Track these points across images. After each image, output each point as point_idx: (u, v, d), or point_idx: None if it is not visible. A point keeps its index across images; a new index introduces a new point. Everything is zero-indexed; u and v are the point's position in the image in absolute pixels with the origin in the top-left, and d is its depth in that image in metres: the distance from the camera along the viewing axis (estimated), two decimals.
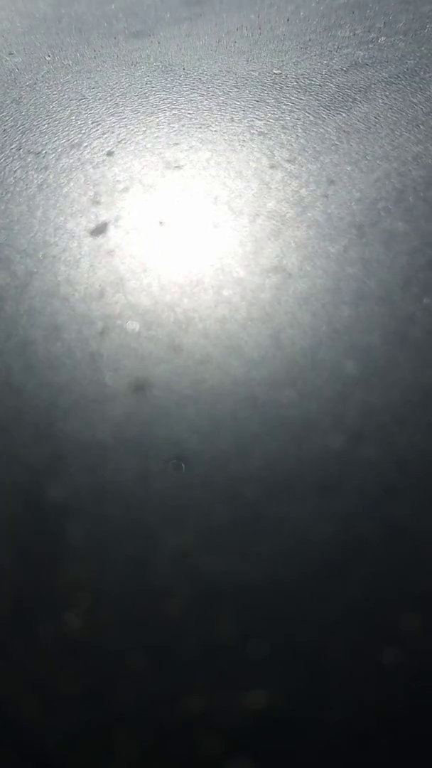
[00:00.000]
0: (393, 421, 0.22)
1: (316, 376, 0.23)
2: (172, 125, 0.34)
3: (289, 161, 0.31)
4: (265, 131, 0.32)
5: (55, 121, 0.36)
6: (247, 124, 0.33)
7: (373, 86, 0.35)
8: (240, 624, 0.19)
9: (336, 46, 0.39)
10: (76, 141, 0.34)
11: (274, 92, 0.35)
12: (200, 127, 0.33)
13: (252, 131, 0.33)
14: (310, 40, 0.40)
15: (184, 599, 0.20)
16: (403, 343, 0.24)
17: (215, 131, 0.33)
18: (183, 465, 0.22)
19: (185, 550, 0.20)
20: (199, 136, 0.33)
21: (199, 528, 0.21)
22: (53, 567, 0.20)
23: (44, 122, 0.36)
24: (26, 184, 0.32)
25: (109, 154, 0.32)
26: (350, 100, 0.34)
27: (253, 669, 0.18)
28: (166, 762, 0.18)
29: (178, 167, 0.31)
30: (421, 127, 0.33)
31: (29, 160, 0.33)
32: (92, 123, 0.35)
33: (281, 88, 0.35)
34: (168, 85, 0.37)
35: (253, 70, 0.37)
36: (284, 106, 0.34)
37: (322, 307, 0.25)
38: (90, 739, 0.18)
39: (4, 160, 0.33)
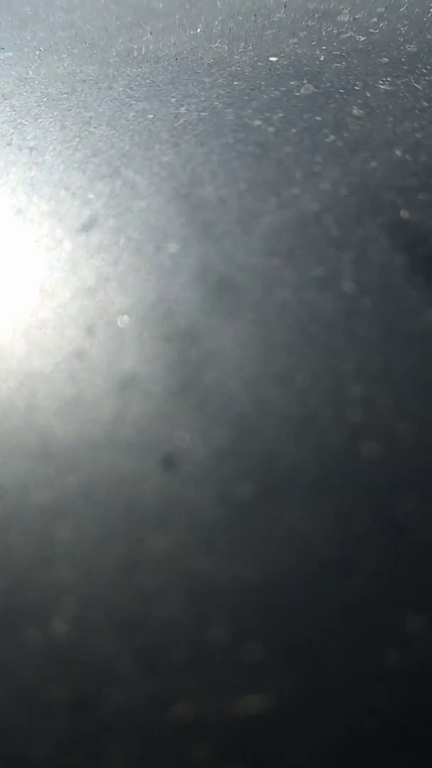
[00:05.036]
0: (395, 418, 0.21)
1: (314, 370, 0.22)
2: (165, 117, 0.33)
3: (287, 149, 0.30)
4: (262, 120, 0.32)
5: (46, 116, 0.35)
6: (243, 114, 0.32)
7: (374, 72, 0.35)
8: (236, 625, 0.19)
9: (335, 32, 0.38)
10: (67, 136, 0.33)
11: (271, 80, 0.34)
12: (194, 119, 0.32)
13: (248, 121, 0.32)
14: (308, 25, 0.39)
15: (177, 601, 0.19)
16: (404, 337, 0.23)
17: (210, 122, 0.32)
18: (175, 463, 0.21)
19: (178, 550, 0.20)
20: (193, 127, 0.32)
21: (193, 528, 0.20)
22: (40, 569, 0.20)
23: (36, 117, 0.35)
24: (17, 180, 0.31)
25: (100, 148, 0.32)
26: (350, 86, 0.34)
27: (249, 671, 0.18)
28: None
29: (170, 162, 0.30)
30: (424, 113, 0.32)
31: (20, 155, 0.33)
32: (83, 117, 0.34)
33: (278, 76, 0.35)
34: (161, 76, 0.36)
35: (248, 58, 0.36)
36: (280, 94, 0.33)
37: (320, 301, 0.24)
38: (79, 746, 0.18)
39: None
